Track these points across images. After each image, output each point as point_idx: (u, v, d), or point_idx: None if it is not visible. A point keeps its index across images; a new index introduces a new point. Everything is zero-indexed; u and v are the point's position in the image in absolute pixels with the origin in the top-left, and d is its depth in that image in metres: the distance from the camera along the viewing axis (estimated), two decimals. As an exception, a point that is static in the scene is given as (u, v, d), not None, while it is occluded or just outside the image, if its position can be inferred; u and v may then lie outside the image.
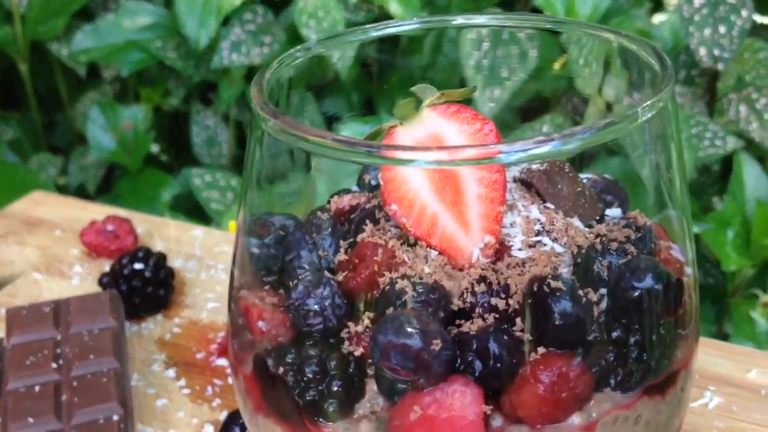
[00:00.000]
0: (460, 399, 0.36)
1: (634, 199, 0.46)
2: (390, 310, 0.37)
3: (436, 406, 0.36)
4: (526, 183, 0.45)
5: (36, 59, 1.61)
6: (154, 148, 1.69)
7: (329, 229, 0.43)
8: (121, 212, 0.88)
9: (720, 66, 1.17)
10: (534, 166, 0.45)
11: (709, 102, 1.24)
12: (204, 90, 1.63)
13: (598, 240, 0.40)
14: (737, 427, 0.57)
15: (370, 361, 0.38)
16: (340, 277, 0.40)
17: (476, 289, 0.38)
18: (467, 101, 0.43)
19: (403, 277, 0.38)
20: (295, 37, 1.38)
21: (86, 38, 1.51)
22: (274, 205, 0.45)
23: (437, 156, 0.36)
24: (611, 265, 0.39)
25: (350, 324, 0.39)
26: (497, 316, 0.38)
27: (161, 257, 0.74)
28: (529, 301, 0.37)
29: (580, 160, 0.47)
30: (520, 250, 0.40)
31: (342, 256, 0.42)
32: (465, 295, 0.38)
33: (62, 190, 1.59)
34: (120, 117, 1.55)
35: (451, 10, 1.39)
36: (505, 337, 0.37)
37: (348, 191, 0.48)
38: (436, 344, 0.36)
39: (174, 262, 0.79)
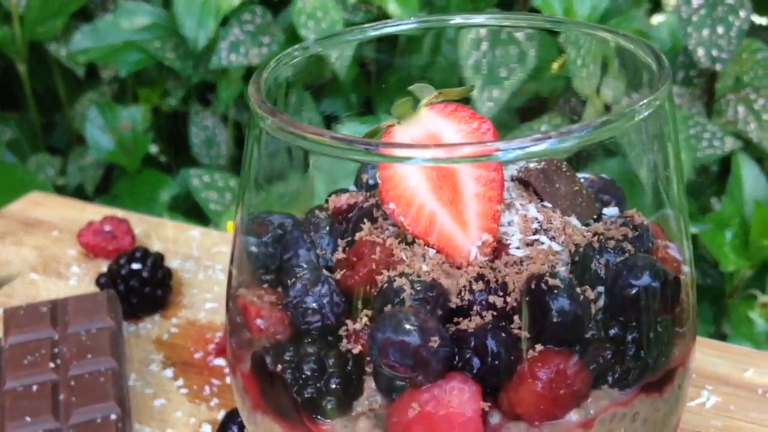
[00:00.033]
0: (459, 396, 0.36)
1: (632, 199, 0.47)
2: (388, 308, 0.38)
3: (434, 403, 0.36)
4: (523, 182, 0.45)
5: (34, 59, 1.61)
6: (153, 149, 1.69)
7: (327, 228, 0.44)
8: (119, 213, 0.88)
9: (718, 66, 1.17)
10: (532, 165, 0.45)
11: (708, 103, 1.25)
12: (203, 90, 1.63)
13: (595, 238, 0.41)
14: (734, 426, 0.57)
15: (368, 358, 0.38)
16: (338, 275, 0.41)
17: (474, 287, 0.38)
18: (465, 100, 0.43)
19: (401, 275, 0.38)
20: (293, 38, 1.39)
21: (85, 39, 1.51)
22: (272, 204, 0.45)
23: (435, 153, 0.36)
24: (609, 263, 0.40)
25: (348, 322, 0.39)
26: (495, 313, 0.38)
27: (159, 257, 0.74)
28: (527, 298, 0.37)
29: (578, 160, 0.47)
30: (517, 248, 0.40)
31: (340, 255, 0.42)
32: (463, 293, 0.38)
33: (61, 190, 1.59)
34: (118, 117, 1.55)
35: (449, 10, 1.39)
36: (503, 335, 0.37)
37: (346, 191, 0.48)
38: (435, 341, 0.36)
39: (172, 263, 0.79)
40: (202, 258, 0.81)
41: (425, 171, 0.39)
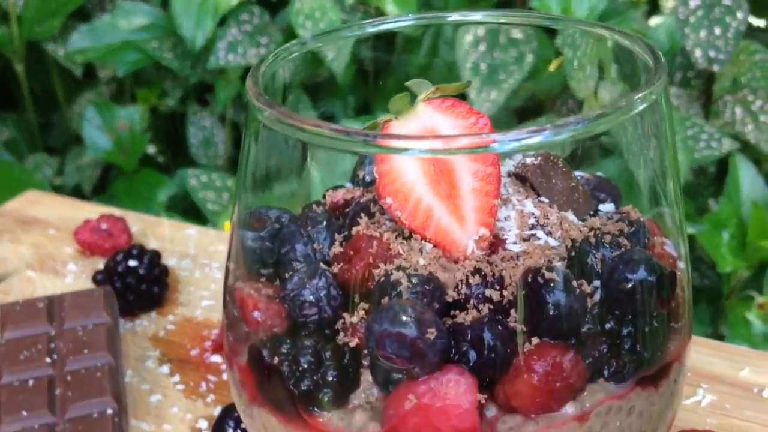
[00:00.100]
0: (455, 388, 0.37)
1: (628, 198, 0.47)
2: (385, 301, 0.38)
3: (430, 395, 0.37)
4: (520, 177, 0.45)
5: (32, 59, 1.61)
6: (151, 149, 1.69)
7: (324, 223, 0.44)
8: (116, 211, 0.88)
9: (715, 67, 1.17)
10: (528, 161, 0.45)
11: (705, 104, 1.25)
12: (200, 91, 1.63)
13: (591, 233, 0.41)
14: (729, 424, 0.58)
15: (365, 351, 0.38)
16: (335, 268, 0.41)
17: (471, 280, 0.39)
18: (462, 97, 0.43)
19: (398, 268, 0.39)
20: (291, 38, 1.38)
21: (82, 38, 1.51)
22: (270, 199, 0.45)
23: (432, 145, 0.36)
24: (605, 258, 0.40)
25: (345, 315, 0.39)
26: (492, 307, 0.38)
27: (155, 255, 0.74)
28: (524, 292, 0.37)
29: (575, 159, 0.47)
30: (514, 243, 0.40)
31: (337, 249, 0.42)
32: (460, 287, 0.39)
33: (58, 190, 1.59)
34: (116, 117, 1.55)
35: (447, 10, 1.40)
36: (500, 328, 0.37)
37: (342, 188, 0.48)
38: (431, 333, 0.36)
39: (168, 261, 0.79)
40: (198, 256, 0.81)
41: (422, 166, 0.40)
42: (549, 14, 0.50)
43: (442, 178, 0.40)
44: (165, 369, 0.66)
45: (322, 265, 0.41)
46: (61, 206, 0.92)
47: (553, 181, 0.45)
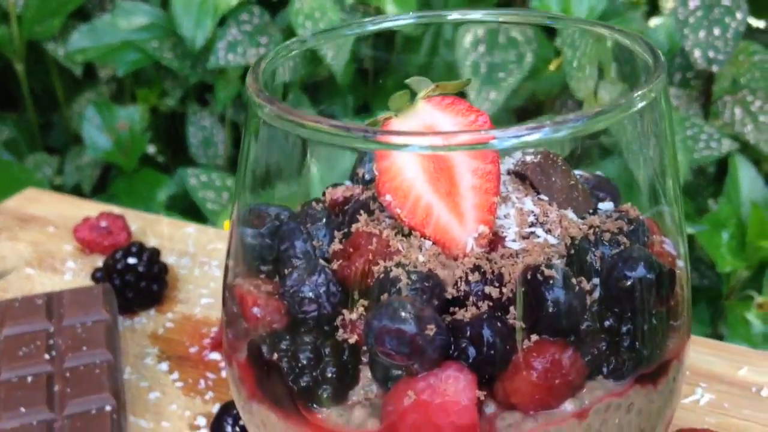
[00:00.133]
0: (454, 384, 0.37)
1: (627, 197, 0.47)
2: (384, 298, 0.38)
3: (429, 391, 0.37)
4: (520, 175, 0.45)
5: (32, 59, 1.61)
6: (151, 149, 1.69)
7: (324, 220, 0.44)
8: (115, 209, 0.88)
9: (714, 68, 1.17)
10: (528, 158, 0.45)
11: (704, 104, 1.25)
12: (200, 91, 1.63)
13: (591, 231, 0.41)
14: (728, 423, 0.58)
15: (364, 348, 0.38)
16: (334, 265, 0.41)
17: (470, 278, 0.39)
18: (461, 97, 0.43)
19: (398, 265, 0.39)
20: (291, 38, 1.39)
21: (82, 38, 1.51)
22: (269, 196, 0.45)
23: (432, 141, 0.36)
24: (604, 256, 0.40)
25: (345, 311, 0.39)
26: (491, 304, 0.38)
27: (155, 252, 0.74)
28: (523, 289, 0.38)
29: (574, 158, 0.47)
30: (513, 241, 0.40)
31: (337, 246, 0.42)
32: (459, 284, 0.39)
33: (58, 189, 1.59)
34: (116, 117, 1.55)
35: (447, 9, 1.40)
36: (499, 325, 0.37)
37: (342, 186, 0.48)
38: (431, 329, 0.36)
39: (167, 259, 0.79)
40: (197, 254, 0.81)
41: (422, 163, 0.40)
42: (549, 13, 0.50)
43: (442, 176, 0.40)
44: (164, 366, 0.66)
45: (321, 261, 0.41)
46: (61, 204, 0.92)
47: (553, 179, 0.45)
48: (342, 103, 1.35)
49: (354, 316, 0.39)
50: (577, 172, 0.48)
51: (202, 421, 0.60)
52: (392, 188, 0.40)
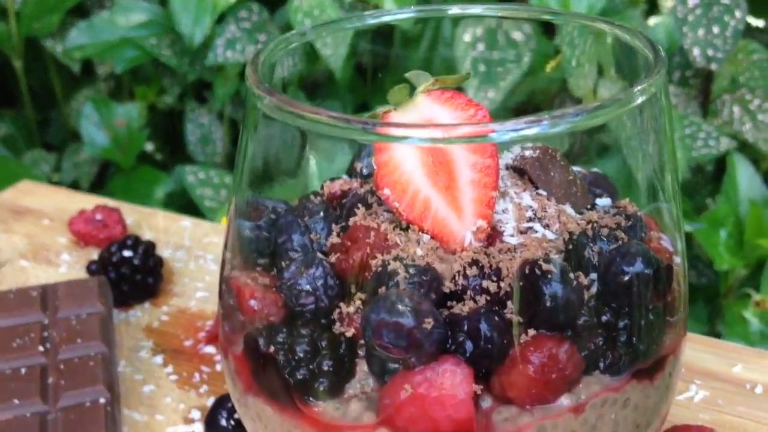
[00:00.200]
0: (451, 378, 0.36)
1: (626, 194, 0.47)
2: (382, 291, 0.38)
3: (426, 385, 0.37)
4: (518, 170, 0.45)
5: (30, 56, 1.60)
6: (149, 147, 1.69)
7: (321, 213, 0.44)
8: (110, 202, 0.87)
9: (713, 66, 1.17)
10: (527, 153, 0.45)
11: (703, 103, 1.25)
12: (199, 88, 1.63)
13: (589, 226, 0.41)
14: (722, 419, 0.58)
15: (361, 341, 0.38)
16: (332, 258, 0.41)
17: (468, 272, 0.38)
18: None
19: (396, 259, 0.38)
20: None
21: (81, 35, 1.50)
22: (267, 190, 0.45)
23: (431, 133, 0.36)
24: (602, 251, 0.40)
25: (342, 305, 0.39)
26: (489, 298, 0.38)
27: (150, 245, 0.74)
28: (521, 283, 0.37)
29: (573, 154, 0.47)
30: (512, 235, 0.40)
31: (334, 239, 0.42)
32: (457, 278, 0.39)
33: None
34: (114, 114, 1.55)
35: (447, 3, 1.40)
36: (496, 319, 0.37)
37: (340, 179, 0.48)
38: (428, 323, 0.36)
39: (163, 252, 0.79)
40: (193, 248, 0.81)
41: (421, 156, 0.39)
42: (549, 9, 0.50)
43: (441, 170, 0.40)
44: (158, 359, 0.66)
45: (319, 255, 0.41)
46: (56, 196, 0.92)
47: (551, 174, 0.45)
48: (341, 102, 1.35)
49: (351, 309, 0.39)
50: (574, 168, 0.47)
51: (196, 415, 0.60)
52: (391, 182, 0.40)
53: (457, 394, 0.36)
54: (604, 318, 0.39)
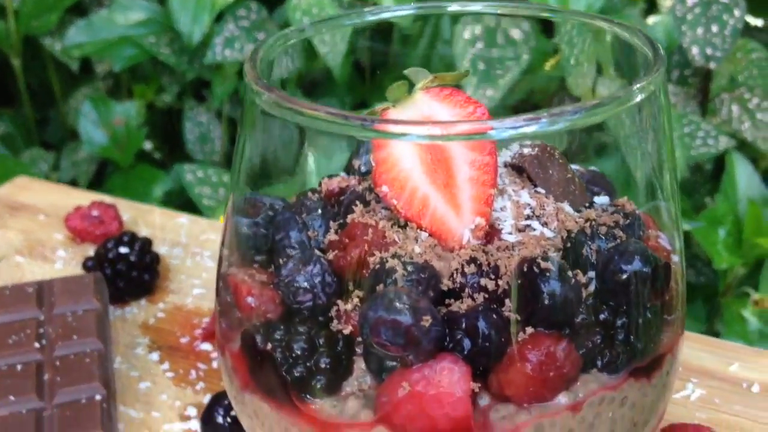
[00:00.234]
0: (449, 376, 0.36)
1: (624, 192, 0.47)
2: (380, 288, 0.37)
3: (424, 382, 0.36)
4: (517, 168, 0.45)
5: (29, 54, 1.60)
6: (147, 145, 1.68)
7: (319, 210, 0.44)
8: (107, 198, 0.87)
9: (712, 65, 1.17)
10: (526, 151, 0.45)
11: (702, 102, 1.25)
12: (197, 87, 1.63)
13: (587, 224, 0.41)
14: (719, 418, 0.58)
15: (358, 339, 0.38)
16: (330, 255, 0.40)
17: (466, 269, 0.38)
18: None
19: (393, 256, 0.38)
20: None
21: (79, 33, 1.50)
22: (265, 187, 0.45)
23: (430, 130, 0.36)
24: (600, 249, 0.40)
25: (339, 302, 0.39)
26: (486, 296, 0.38)
27: (147, 242, 0.74)
28: (519, 281, 0.37)
29: (572, 153, 0.47)
30: (510, 233, 0.40)
31: (332, 236, 0.42)
32: (455, 276, 0.38)
33: (53, 184, 1.59)
34: (112, 113, 1.55)
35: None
36: (494, 317, 0.37)
37: (338, 176, 0.48)
38: (426, 321, 0.36)
39: (159, 249, 0.79)
40: (190, 245, 0.81)
41: (419, 154, 0.39)
42: (549, 6, 0.50)
43: (439, 167, 0.40)
44: (154, 356, 0.66)
45: (316, 252, 0.41)
46: (52, 192, 0.91)
47: (550, 172, 0.45)
48: (339, 102, 1.35)
49: (349, 306, 0.38)
50: (573, 166, 0.47)
51: (192, 412, 0.60)
52: (389, 179, 0.40)
53: (455, 392, 0.36)
54: (601, 316, 0.39)
